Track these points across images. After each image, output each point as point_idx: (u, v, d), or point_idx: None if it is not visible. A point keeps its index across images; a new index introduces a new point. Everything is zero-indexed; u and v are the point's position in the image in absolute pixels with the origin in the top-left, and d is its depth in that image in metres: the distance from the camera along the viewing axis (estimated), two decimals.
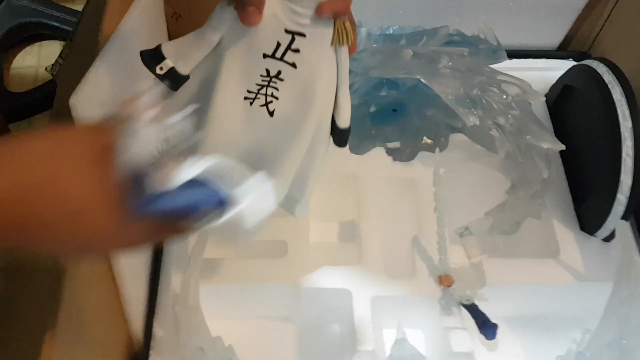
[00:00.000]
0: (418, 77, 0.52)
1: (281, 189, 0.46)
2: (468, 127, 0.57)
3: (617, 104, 0.53)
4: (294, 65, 0.40)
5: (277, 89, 0.41)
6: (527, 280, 0.56)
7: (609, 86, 0.54)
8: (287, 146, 0.44)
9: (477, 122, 0.51)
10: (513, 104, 0.53)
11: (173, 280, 0.55)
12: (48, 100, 0.72)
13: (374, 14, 0.56)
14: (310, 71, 0.41)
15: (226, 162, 0.29)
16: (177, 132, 0.27)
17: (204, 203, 0.28)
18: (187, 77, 0.41)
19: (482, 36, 0.56)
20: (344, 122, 0.44)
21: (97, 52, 0.44)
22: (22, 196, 0.24)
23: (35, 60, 0.76)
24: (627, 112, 0.52)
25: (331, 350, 0.56)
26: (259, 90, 0.42)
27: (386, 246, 0.57)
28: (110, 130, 0.26)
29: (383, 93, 0.62)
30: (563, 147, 0.56)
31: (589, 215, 0.58)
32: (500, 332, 0.51)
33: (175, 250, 0.56)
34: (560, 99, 0.65)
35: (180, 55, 0.40)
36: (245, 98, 0.42)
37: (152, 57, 0.40)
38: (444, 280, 0.54)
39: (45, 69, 0.71)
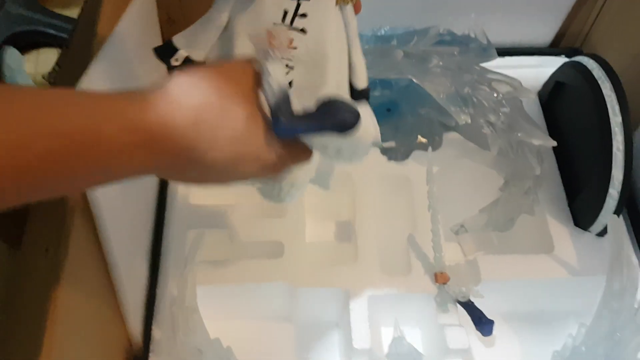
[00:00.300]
0: (409, 77, 0.52)
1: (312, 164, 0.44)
2: (461, 125, 0.57)
3: (607, 100, 0.53)
4: (303, 30, 0.40)
5: (290, 59, 0.40)
6: (522, 276, 0.56)
7: (599, 82, 0.55)
8: None
9: (469, 121, 0.52)
10: (504, 101, 0.53)
11: (171, 282, 0.55)
12: None
13: (365, 15, 0.56)
14: (320, 34, 0.40)
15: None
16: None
17: (342, 116, 0.32)
18: (203, 64, 0.41)
19: (472, 35, 0.56)
20: (361, 82, 0.43)
21: (91, 58, 0.45)
22: (199, 118, 0.28)
23: (33, 67, 0.77)
24: (617, 107, 0.53)
25: (329, 350, 0.57)
26: None
27: (382, 245, 0.58)
28: (255, 63, 0.31)
29: (376, 93, 0.62)
30: (554, 143, 0.56)
31: (582, 210, 0.59)
32: (496, 328, 0.51)
33: (173, 252, 0.57)
34: (553, 95, 0.65)
35: (192, 44, 0.41)
36: None
37: (165, 51, 0.41)
38: (440, 278, 0.54)
39: (42, 76, 0.72)
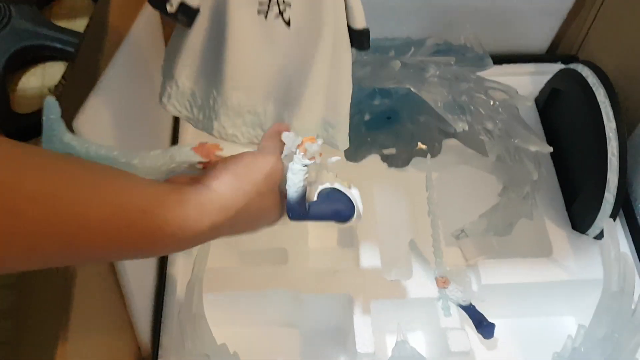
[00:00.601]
0: (408, 86, 0.53)
1: (316, 108, 0.44)
2: (460, 133, 0.59)
3: (601, 106, 0.55)
4: None
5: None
6: (521, 279, 0.57)
7: (593, 88, 0.56)
8: (312, 58, 0.43)
9: (466, 128, 0.53)
10: (500, 109, 0.55)
11: (178, 290, 0.56)
12: None
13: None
14: None
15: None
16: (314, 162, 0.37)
17: (343, 210, 0.40)
18: (197, 10, 0.42)
19: (468, 45, 0.58)
20: (359, 22, 0.43)
21: (98, 72, 0.46)
22: (247, 204, 0.36)
23: (40, 81, 0.78)
24: (611, 113, 0.54)
25: (333, 354, 0.58)
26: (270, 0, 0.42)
27: (384, 250, 0.59)
28: (279, 159, 0.38)
29: (376, 102, 0.64)
30: (550, 149, 0.57)
31: (579, 214, 0.60)
32: (497, 331, 0.52)
33: (180, 261, 0.58)
34: (549, 102, 0.66)
35: None
36: (259, 12, 0.42)
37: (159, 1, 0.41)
38: (441, 282, 0.55)
39: (49, 89, 0.73)
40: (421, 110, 0.63)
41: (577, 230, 0.60)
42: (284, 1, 0.42)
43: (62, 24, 0.78)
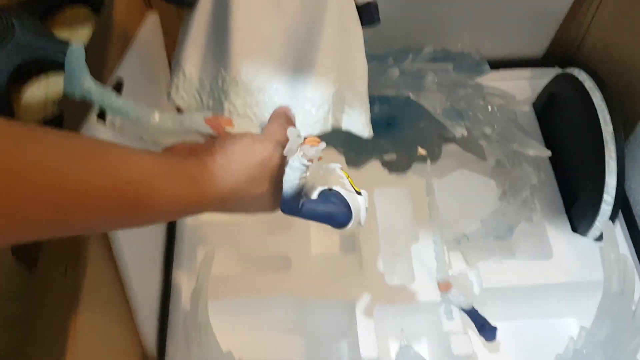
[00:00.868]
0: (406, 93, 0.54)
1: (330, 77, 0.42)
2: (459, 138, 0.59)
3: (598, 109, 0.55)
4: None
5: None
6: (523, 282, 0.57)
7: (590, 92, 0.57)
8: (320, 23, 0.42)
9: (465, 133, 0.54)
10: (498, 114, 0.55)
11: (183, 297, 0.57)
12: None
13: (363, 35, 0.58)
14: None
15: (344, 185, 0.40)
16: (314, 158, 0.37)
17: (338, 216, 0.39)
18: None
19: (465, 52, 0.59)
20: None
21: (101, 84, 0.47)
22: (235, 186, 0.37)
23: (44, 93, 0.79)
24: (608, 117, 0.55)
25: None
26: None
27: (386, 255, 0.59)
28: (276, 148, 0.38)
29: (376, 109, 0.64)
30: (549, 153, 0.58)
31: (579, 216, 0.60)
32: (499, 334, 0.53)
33: (185, 268, 0.59)
34: (547, 106, 0.67)
35: None
36: None
37: None
38: (443, 286, 0.56)
39: (53, 102, 0.74)
40: (421, 116, 0.64)
41: (577, 233, 0.60)
42: None
43: (65, 35, 0.79)
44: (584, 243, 0.60)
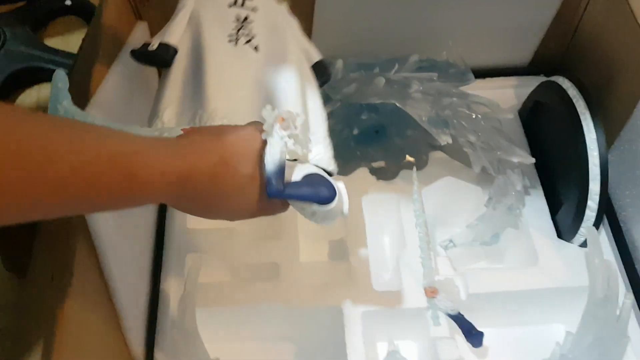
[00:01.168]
0: (392, 101, 0.55)
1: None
2: (446, 145, 0.60)
3: (582, 117, 0.56)
4: (254, 9, 0.49)
5: (251, 29, 0.48)
6: (509, 288, 0.58)
7: (574, 100, 0.58)
8: (283, 78, 0.48)
9: (450, 141, 0.54)
10: (482, 122, 0.56)
11: (171, 306, 0.57)
12: None
13: (350, 45, 0.59)
14: (269, 11, 0.49)
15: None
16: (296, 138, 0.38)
17: (322, 192, 0.40)
18: (176, 50, 0.48)
19: (451, 61, 0.59)
20: (315, 57, 0.51)
21: (91, 90, 0.48)
22: (216, 172, 0.36)
23: (35, 102, 0.80)
24: (591, 124, 0.55)
25: None
26: (237, 32, 0.48)
27: (374, 262, 0.60)
28: (261, 132, 0.38)
29: (364, 117, 0.65)
30: (533, 160, 0.58)
31: (564, 223, 0.61)
32: (486, 339, 0.53)
33: (172, 276, 0.59)
34: (532, 114, 0.68)
35: (164, 33, 0.48)
36: (229, 41, 0.48)
37: (141, 48, 0.48)
38: (429, 292, 0.56)
39: (44, 110, 0.74)
40: (408, 124, 0.65)
41: (562, 239, 0.61)
42: (248, 33, 0.49)
43: (56, 45, 0.80)
44: (570, 249, 0.60)
